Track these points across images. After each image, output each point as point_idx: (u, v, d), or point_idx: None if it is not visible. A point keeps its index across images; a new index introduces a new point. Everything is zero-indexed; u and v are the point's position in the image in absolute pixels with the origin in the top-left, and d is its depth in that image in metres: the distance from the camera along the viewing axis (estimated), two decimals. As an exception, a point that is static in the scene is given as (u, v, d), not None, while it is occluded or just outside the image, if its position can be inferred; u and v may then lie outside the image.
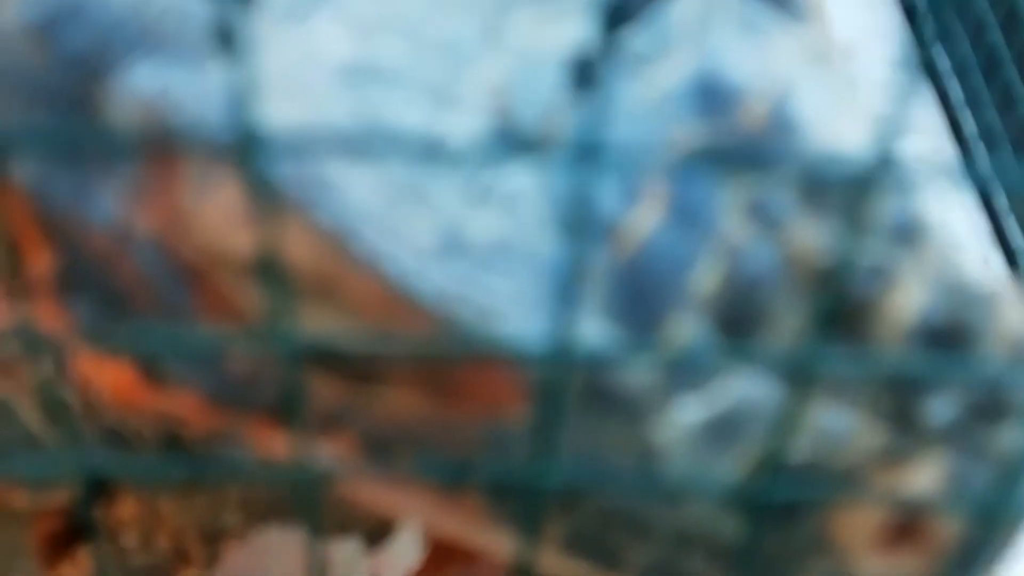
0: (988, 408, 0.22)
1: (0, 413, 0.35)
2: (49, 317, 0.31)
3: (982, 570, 0.24)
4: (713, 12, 0.23)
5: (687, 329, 0.21)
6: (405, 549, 0.60)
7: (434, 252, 0.21)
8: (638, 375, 0.21)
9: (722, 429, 0.22)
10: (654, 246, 0.22)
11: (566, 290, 0.21)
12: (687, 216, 0.22)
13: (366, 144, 0.19)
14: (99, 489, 0.38)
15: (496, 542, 0.27)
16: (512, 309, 0.21)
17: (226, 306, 0.23)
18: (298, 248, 0.21)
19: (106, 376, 0.30)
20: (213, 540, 0.45)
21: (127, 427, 0.33)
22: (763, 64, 0.23)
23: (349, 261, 0.21)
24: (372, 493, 0.27)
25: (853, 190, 0.22)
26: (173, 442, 0.32)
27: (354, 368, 0.24)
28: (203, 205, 0.22)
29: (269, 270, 0.17)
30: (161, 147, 0.22)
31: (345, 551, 0.64)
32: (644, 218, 0.22)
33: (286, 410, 0.23)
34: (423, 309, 0.21)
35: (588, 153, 0.19)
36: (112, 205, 0.25)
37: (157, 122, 0.22)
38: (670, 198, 0.22)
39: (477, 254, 0.21)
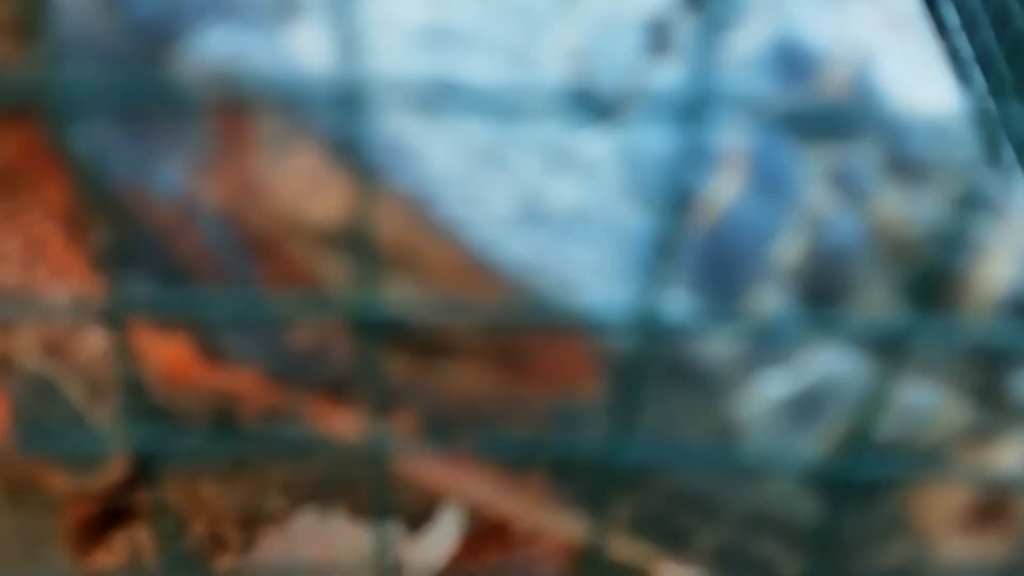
0: None
1: (47, 392, 0.34)
2: (102, 292, 0.31)
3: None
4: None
5: (770, 301, 0.21)
6: (443, 534, 0.59)
7: (514, 220, 0.20)
8: (720, 348, 0.21)
9: (805, 405, 0.21)
10: (736, 215, 0.21)
11: (650, 260, 0.21)
12: (769, 184, 0.21)
13: (446, 100, 0.19)
14: (142, 473, 0.38)
15: (558, 523, 0.27)
16: (592, 279, 0.21)
17: (296, 277, 0.23)
18: (380, 215, 0.20)
19: (163, 353, 0.29)
20: (250, 526, 0.45)
21: (177, 406, 0.32)
22: (843, 30, 0.22)
23: (429, 229, 0.20)
24: (432, 473, 0.27)
25: (942, 160, 0.21)
26: (224, 421, 0.32)
27: (424, 342, 0.23)
28: (278, 172, 0.21)
29: (361, 234, 0.17)
30: (236, 111, 0.22)
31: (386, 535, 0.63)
32: (726, 186, 0.21)
33: (362, 383, 0.22)
34: (502, 279, 0.20)
35: (695, 109, 0.18)
36: (177, 177, 0.24)
37: (230, 87, 0.21)
38: (752, 166, 0.21)
39: (557, 222, 0.21)
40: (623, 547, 0.26)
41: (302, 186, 0.21)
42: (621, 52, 0.22)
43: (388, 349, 0.25)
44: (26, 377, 0.34)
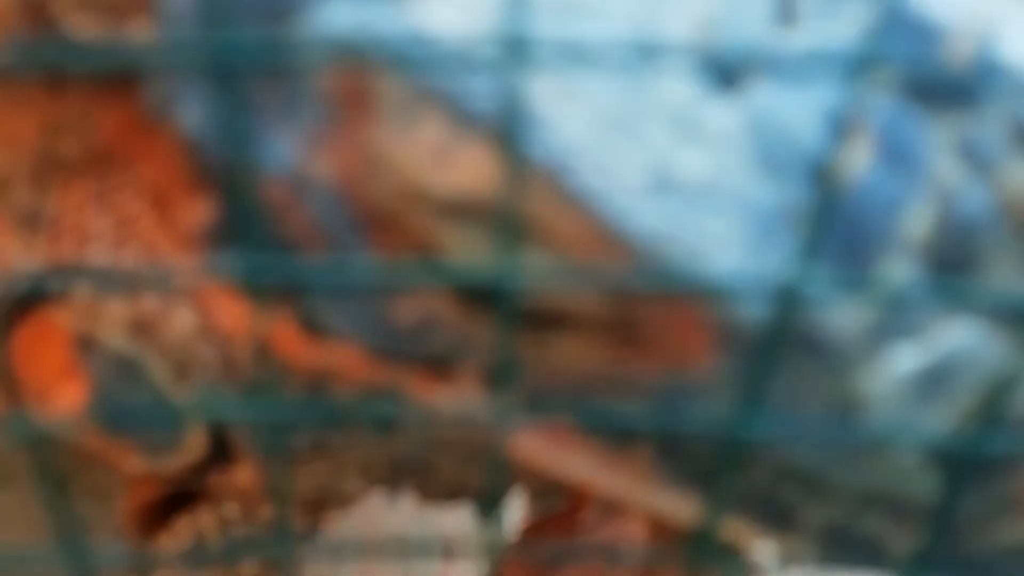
0: None
1: (130, 372, 0.34)
2: (198, 269, 0.31)
3: None
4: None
5: (899, 273, 0.21)
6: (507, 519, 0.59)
7: (645, 190, 0.20)
8: (847, 321, 0.21)
9: (934, 379, 0.21)
10: (865, 186, 0.21)
11: (778, 231, 0.20)
12: (897, 155, 0.21)
13: (580, 62, 0.18)
14: (219, 455, 0.38)
15: (661, 502, 0.27)
16: (722, 250, 0.20)
17: (413, 251, 0.23)
18: (518, 185, 0.20)
19: (262, 327, 0.29)
20: (317, 509, 0.45)
21: (267, 385, 0.32)
22: (967, 2, 0.22)
23: (561, 198, 0.20)
24: (536, 450, 0.27)
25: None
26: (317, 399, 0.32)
27: (537, 314, 0.23)
28: (403, 143, 0.21)
29: (507, 205, 0.16)
30: (358, 83, 0.22)
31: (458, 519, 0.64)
32: (855, 157, 0.21)
33: (499, 355, 0.22)
34: (634, 249, 0.20)
35: (823, 79, 0.18)
36: (288, 152, 0.24)
37: (354, 57, 0.21)
38: (880, 137, 0.21)
39: (686, 193, 0.20)
40: (727, 526, 0.26)
41: (428, 157, 0.21)
42: (747, 22, 0.21)
43: (499, 322, 0.25)
44: (110, 356, 0.34)
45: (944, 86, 0.22)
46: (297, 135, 0.24)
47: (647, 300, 0.21)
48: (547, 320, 0.23)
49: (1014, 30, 0.22)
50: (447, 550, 0.65)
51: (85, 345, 0.34)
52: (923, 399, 0.21)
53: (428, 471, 0.36)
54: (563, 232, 0.20)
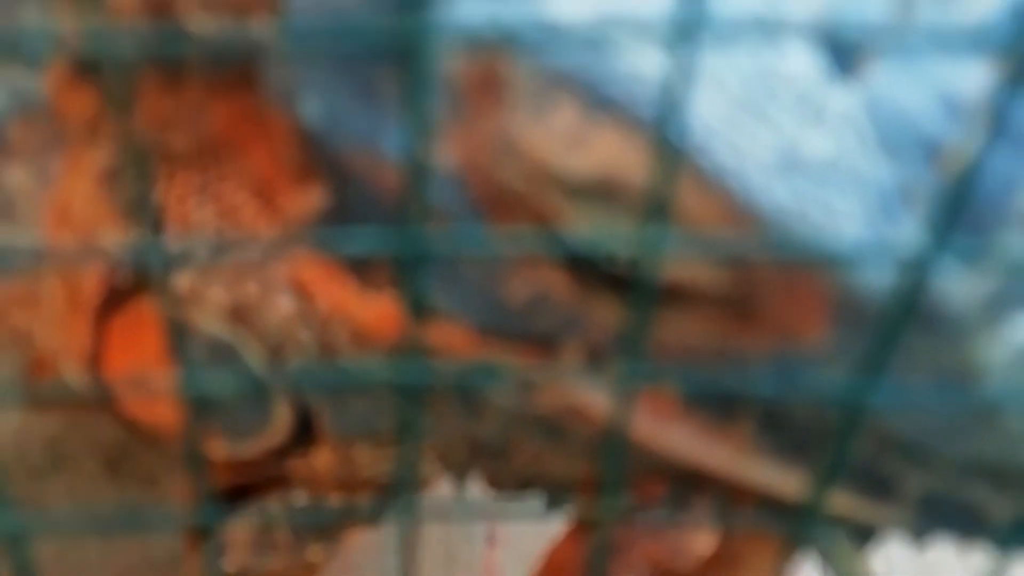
0: None
1: (225, 357, 0.35)
2: (302, 259, 0.32)
3: None
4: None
5: (1017, 246, 0.22)
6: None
7: (774, 169, 0.21)
8: (968, 291, 0.22)
9: None
10: (982, 164, 0.22)
11: (898, 208, 0.21)
12: (1013, 135, 0.22)
13: (704, 34, 0.19)
14: (300, 437, 0.39)
15: (762, 474, 0.28)
16: (845, 225, 0.21)
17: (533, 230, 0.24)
18: (641, 164, 0.21)
19: (367, 311, 0.30)
20: (383, 496, 0.46)
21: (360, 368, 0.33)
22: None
23: (697, 177, 0.21)
24: (640, 424, 0.28)
25: None
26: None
27: (658, 291, 0.24)
28: (536, 128, 0.22)
29: (658, 188, 0.17)
30: (488, 73, 0.23)
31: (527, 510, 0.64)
32: (972, 137, 0.22)
33: (630, 328, 0.23)
34: (763, 224, 0.21)
35: (938, 63, 0.19)
36: (407, 139, 0.25)
37: (489, 48, 0.22)
38: (997, 118, 0.22)
39: (812, 172, 0.21)
40: (830, 499, 0.27)
41: (562, 140, 0.22)
42: (863, 14, 0.22)
43: (611, 300, 0.26)
44: (206, 342, 0.35)
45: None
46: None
47: (768, 273, 0.22)
48: (664, 296, 0.24)
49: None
50: (490, 537, 0.65)
51: (179, 331, 0.35)
52: (1038, 368, 0.22)
53: (504, 457, 0.37)
54: (697, 208, 0.21)
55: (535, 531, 0.65)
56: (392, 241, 0.24)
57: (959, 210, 0.21)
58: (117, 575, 0.60)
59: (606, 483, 0.24)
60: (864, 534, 0.30)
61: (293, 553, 0.49)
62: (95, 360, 0.37)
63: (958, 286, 0.22)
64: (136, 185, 0.33)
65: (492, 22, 0.22)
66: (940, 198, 0.21)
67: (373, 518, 0.47)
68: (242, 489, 0.48)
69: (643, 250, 0.21)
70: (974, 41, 0.18)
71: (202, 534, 0.47)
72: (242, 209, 0.32)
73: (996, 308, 0.22)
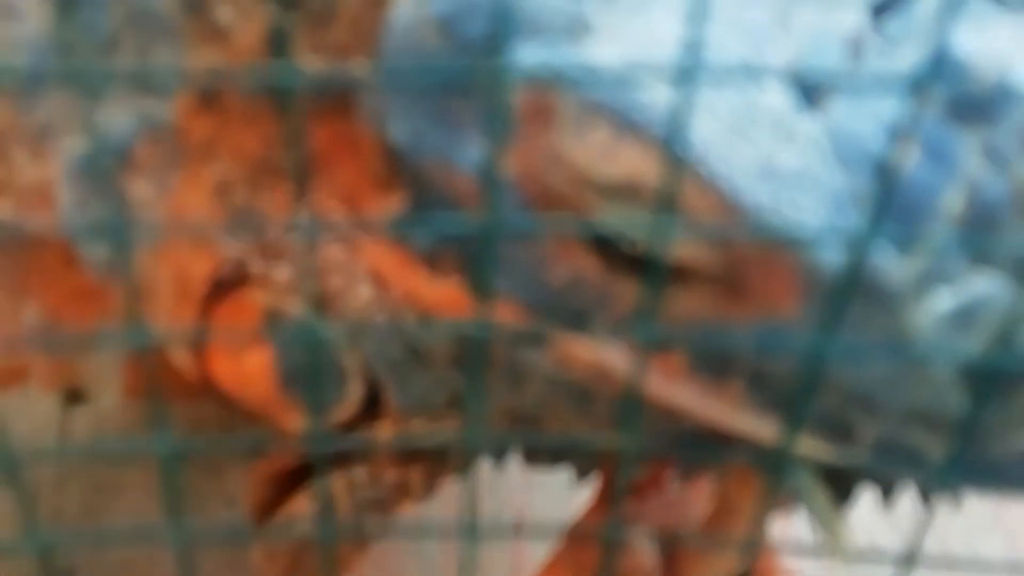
0: None
1: (311, 341, 0.43)
2: (381, 252, 0.39)
3: None
4: (949, 6, 0.31)
5: (939, 238, 0.29)
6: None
7: (755, 176, 0.28)
8: (901, 271, 0.29)
9: (965, 316, 0.29)
10: (915, 176, 0.29)
11: (851, 208, 0.29)
12: (938, 155, 0.29)
13: (705, 76, 0.27)
14: (367, 413, 0.46)
15: (751, 425, 0.34)
16: (810, 218, 0.28)
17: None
18: (655, 171, 0.29)
19: (434, 293, 0.37)
20: (436, 471, 0.53)
21: (424, 344, 0.40)
22: (989, 45, 0.30)
23: (697, 180, 0.28)
24: (651, 385, 0.35)
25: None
26: (465, 355, 0.40)
27: (666, 271, 0.31)
28: (577, 145, 0.30)
29: (667, 187, 0.25)
30: (541, 102, 0.30)
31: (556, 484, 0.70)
32: (908, 156, 0.29)
33: (645, 308, 0.30)
34: (746, 215, 0.28)
35: (885, 99, 0.26)
36: (477, 154, 0.33)
37: (540, 86, 0.30)
38: (925, 142, 0.29)
39: (785, 179, 0.29)
40: (804, 443, 0.34)
41: (597, 153, 0.29)
42: (826, 59, 0.30)
43: (629, 278, 0.33)
44: (295, 327, 0.42)
45: (973, 105, 0.30)
46: (484, 142, 0.32)
47: (751, 255, 0.29)
48: (671, 276, 0.31)
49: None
50: (518, 528, 0.72)
51: (274, 317, 0.42)
52: (956, 330, 0.29)
53: (540, 428, 0.44)
54: (697, 203, 0.29)
55: (563, 518, 0.71)
56: (469, 225, 0.32)
57: (887, 207, 0.28)
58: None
59: (624, 438, 0.31)
60: (841, 490, 0.37)
61: (352, 524, 0.55)
62: (198, 348, 0.44)
63: (893, 266, 0.29)
64: (244, 195, 0.40)
65: (545, 65, 0.30)
66: (872, 197, 0.28)
67: (424, 493, 0.54)
68: (308, 468, 0.55)
69: (656, 234, 0.28)
70: (905, 82, 0.25)
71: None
72: (332, 214, 0.39)
73: (923, 283, 0.29)
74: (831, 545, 0.34)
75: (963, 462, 0.31)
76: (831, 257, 0.29)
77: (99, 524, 0.50)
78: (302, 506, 0.54)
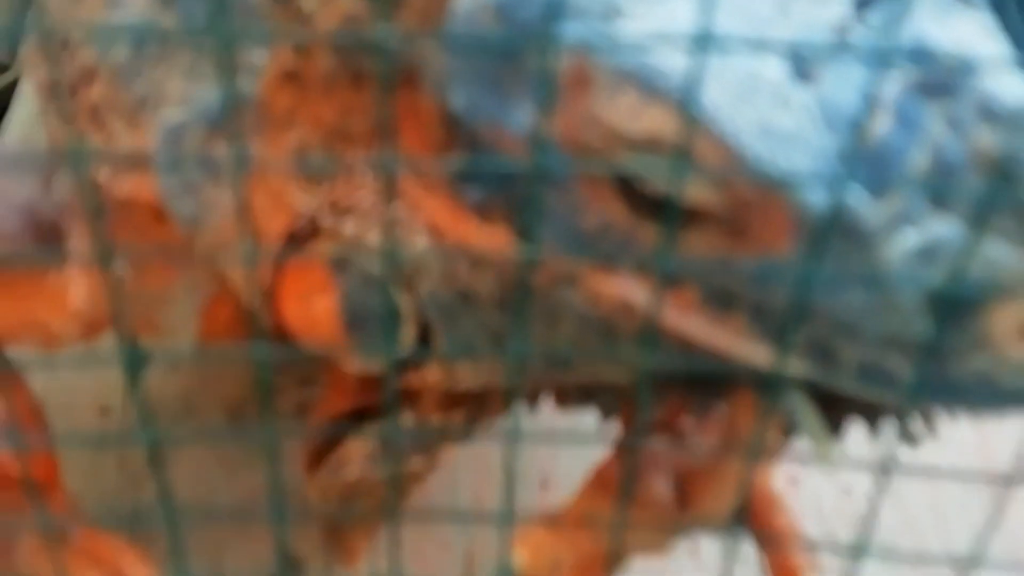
0: None
1: (374, 287, 0.49)
2: (437, 205, 0.45)
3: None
4: (920, 2, 0.37)
5: (907, 191, 0.35)
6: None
7: (756, 135, 0.35)
8: (875, 214, 0.35)
9: (928, 252, 0.35)
10: (885, 139, 0.35)
11: (836, 164, 0.35)
12: (907, 122, 0.35)
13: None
14: (416, 359, 0.52)
15: (752, 352, 0.41)
16: (802, 168, 0.35)
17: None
18: (674, 128, 0.35)
19: (486, 241, 0.44)
20: (475, 413, 0.59)
21: (473, 288, 0.46)
22: (953, 34, 0.37)
23: (709, 136, 0.35)
24: (669, 315, 0.41)
25: (1013, 112, 0.35)
26: (514, 296, 0.46)
27: (680, 214, 0.37)
28: (610, 106, 0.36)
29: (682, 141, 0.31)
30: (581, 71, 0.36)
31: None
32: (881, 123, 0.35)
33: (664, 242, 0.37)
34: (749, 165, 0.35)
35: (865, 76, 0.33)
36: (524, 118, 0.39)
37: (580, 57, 0.36)
38: (897, 112, 0.35)
39: (781, 138, 0.35)
40: (794, 367, 0.40)
41: (626, 114, 0.36)
42: (818, 37, 0.36)
43: (654, 225, 0.39)
44: (359, 274, 0.49)
45: (938, 83, 0.36)
46: (531, 107, 0.39)
47: (752, 198, 0.35)
48: (685, 218, 0.37)
49: (982, 47, 0.37)
50: (544, 481, 0.78)
51: (340, 267, 0.49)
52: (920, 264, 0.35)
53: (571, 369, 0.50)
54: (708, 155, 0.35)
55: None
56: (521, 167, 0.38)
57: (867, 168, 0.35)
58: (242, 496, 0.73)
59: (644, 355, 0.37)
60: (832, 422, 0.43)
61: (401, 465, 0.62)
62: (271, 295, 0.51)
63: (868, 209, 0.35)
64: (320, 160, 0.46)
65: (585, 37, 0.36)
66: (848, 148, 0.34)
67: (466, 435, 0.60)
68: (361, 412, 0.62)
69: (673, 178, 0.34)
70: (880, 57, 0.31)
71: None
72: (404, 181, 0.46)
73: (892, 224, 0.35)
74: (821, 453, 0.40)
75: (929, 382, 0.38)
76: (816, 198, 0.35)
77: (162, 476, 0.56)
78: (356, 449, 0.61)
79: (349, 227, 0.48)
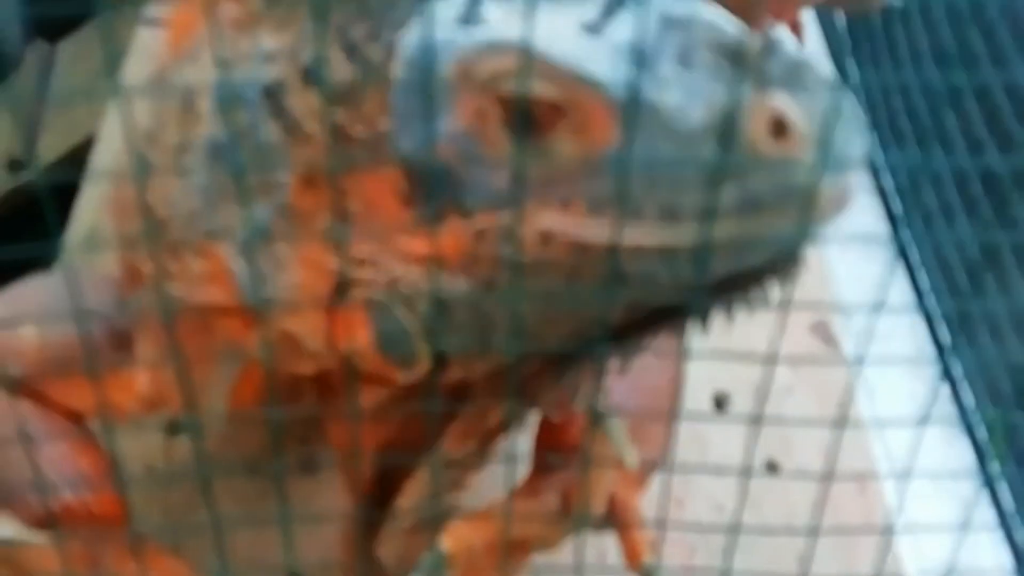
0: None
1: (387, 314, 0.65)
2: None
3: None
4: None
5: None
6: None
7: (579, 57, 0.53)
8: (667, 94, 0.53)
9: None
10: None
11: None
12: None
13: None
14: (437, 367, 0.58)
15: (638, 237, 0.57)
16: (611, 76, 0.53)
17: None
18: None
19: (429, 245, 0.56)
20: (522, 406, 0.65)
21: (442, 294, 0.56)
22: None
23: (541, 61, 0.53)
24: (568, 230, 0.56)
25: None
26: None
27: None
28: (486, 66, 0.51)
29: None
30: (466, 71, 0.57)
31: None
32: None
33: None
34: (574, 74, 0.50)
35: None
36: (446, 126, 0.59)
37: (460, 64, 0.57)
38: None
39: (596, 60, 0.53)
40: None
41: (493, 66, 0.52)
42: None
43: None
44: (380, 308, 0.66)
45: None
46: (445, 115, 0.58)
47: (580, 96, 0.53)
48: (542, 123, 0.50)
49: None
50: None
51: (369, 306, 0.65)
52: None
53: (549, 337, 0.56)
54: (544, 71, 0.50)
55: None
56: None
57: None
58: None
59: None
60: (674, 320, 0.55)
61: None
62: (331, 340, 0.62)
63: (656, 90, 0.53)
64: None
65: (460, 44, 0.57)
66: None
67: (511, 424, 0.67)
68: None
69: (520, 80, 0.53)
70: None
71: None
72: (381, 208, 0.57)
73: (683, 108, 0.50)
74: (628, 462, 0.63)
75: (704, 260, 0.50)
76: (617, 90, 0.53)
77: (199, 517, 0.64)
78: (417, 485, 0.67)
79: (369, 274, 0.65)
